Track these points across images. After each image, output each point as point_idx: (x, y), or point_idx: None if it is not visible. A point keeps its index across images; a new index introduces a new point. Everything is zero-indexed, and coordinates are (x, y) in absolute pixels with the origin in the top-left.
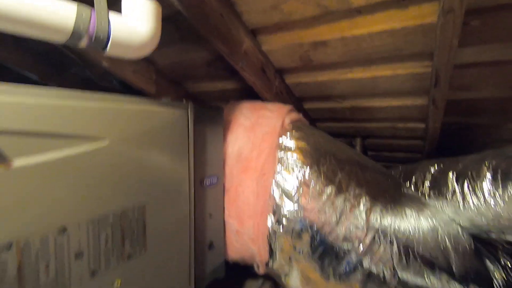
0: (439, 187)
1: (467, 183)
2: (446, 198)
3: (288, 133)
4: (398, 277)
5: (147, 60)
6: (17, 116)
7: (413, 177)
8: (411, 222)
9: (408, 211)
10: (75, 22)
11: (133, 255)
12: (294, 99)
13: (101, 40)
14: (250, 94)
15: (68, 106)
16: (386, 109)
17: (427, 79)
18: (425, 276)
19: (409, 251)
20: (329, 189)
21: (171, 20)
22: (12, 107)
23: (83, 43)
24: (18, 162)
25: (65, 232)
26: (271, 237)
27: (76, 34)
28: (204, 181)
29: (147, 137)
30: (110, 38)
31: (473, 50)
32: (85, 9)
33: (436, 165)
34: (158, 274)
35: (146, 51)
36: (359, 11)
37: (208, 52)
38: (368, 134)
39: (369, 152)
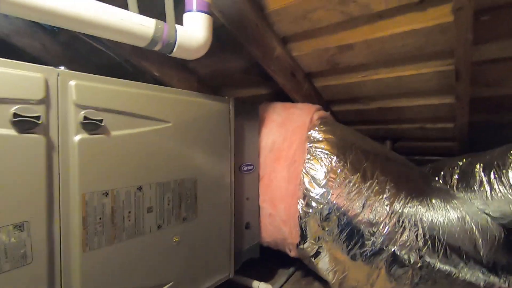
0: (467, 179)
1: (494, 172)
2: (474, 189)
3: (316, 127)
4: (424, 261)
5: (190, 70)
6: (115, 99)
7: (442, 171)
8: (438, 211)
9: (434, 201)
10: (153, 32)
11: (187, 218)
12: (322, 102)
13: (170, 45)
14: (281, 99)
15: (148, 95)
16: (414, 109)
17: (451, 77)
18: (453, 262)
19: (436, 237)
20: (354, 176)
21: (214, 33)
22: (112, 93)
23: (157, 47)
24: (115, 133)
25: (141, 190)
26: (302, 219)
27: (153, 41)
28: (242, 167)
29: (199, 123)
30: (176, 44)
31: (492, 47)
32: (160, 22)
33: (464, 159)
34: (206, 240)
35: (201, 53)
36: (380, 16)
37: (244, 61)
38: (398, 137)
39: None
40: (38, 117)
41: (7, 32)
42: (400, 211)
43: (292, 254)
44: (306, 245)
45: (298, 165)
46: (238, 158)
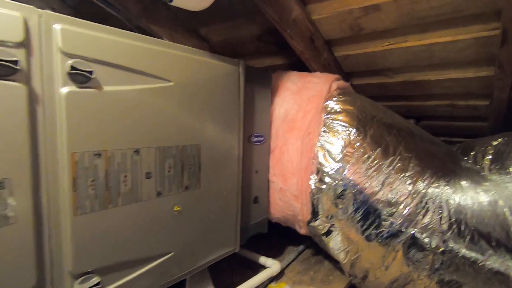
0: (502, 161)
1: None
2: (510, 172)
3: (335, 97)
4: (447, 246)
5: (202, 38)
6: (108, 50)
7: (472, 151)
8: (466, 193)
9: (463, 182)
10: None
11: (190, 187)
12: (342, 74)
13: None
14: (298, 70)
15: (147, 49)
16: (443, 83)
17: (493, 44)
18: (480, 248)
19: (463, 221)
20: (375, 152)
21: None
22: (105, 43)
23: None
24: (108, 88)
25: (138, 153)
26: (314, 195)
27: None
28: (251, 138)
29: (204, 85)
30: None
31: None
32: None
33: (500, 138)
34: (210, 212)
35: (206, 3)
36: None
37: (258, 26)
38: (423, 115)
39: None
40: (15, 62)
41: None
42: (423, 191)
43: (302, 231)
44: (317, 222)
45: (312, 137)
46: (247, 127)
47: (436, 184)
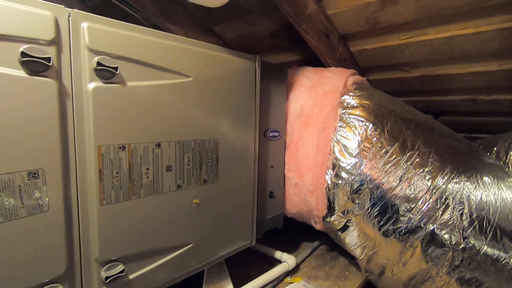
0: None
1: None
2: None
3: (351, 92)
4: (468, 243)
5: (217, 35)
6: (132, 47)
7: (495, 147)
8: (489, 189)
9: (486, 178)
10: None
11: (208, 181)
12: (358, 69)
13: None
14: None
15: (167, 45)
16: (464, 77)
17: None
18: (503, 246)
19: (485, 218)
20: (392, 147)
21: None
22: (129, 40)
23: None
24: (131, 83)
25: (159, 147)
26: (330, 190)
27: None
28: (267, 133)
29: (222, 81)
30: None
31: None
32: None
33: None
34: (227, 205)
35: (223, 1)
36: None
37: (272, 22)
38: (442, 110)
39: None
40: (48, 59)
41: None
42: (443, 186)
43: (318, 227)
44: (333, 218)
45: (328, 132)
46: (263, 123)
47: (457, 180)
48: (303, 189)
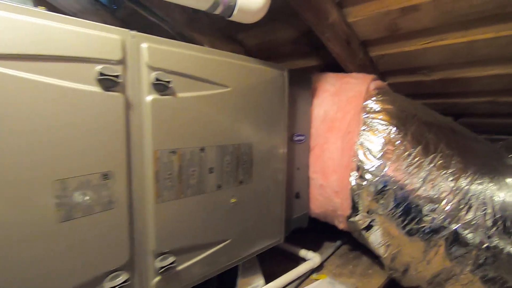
0: None
1: None
2: None
3: (374, 97)
4: (492, 242)
5: (239, 42)
6: (181, 62)
7: None
8: None
9: (508, 180)
10: None
11: (243, 181)
12: (377, 73)
13: (231, 8)
14: (331, 71)
15: (210, 59)
16: (484, 79)
17: None
18: None
19: (508, 218)
20: (415, 149)
21: None
22: (178, 56)
23: (218, 10)
24: (180, 95)
25: (203, 151)
26: (354, 191)
27: (215, 3)
28: (293, 137)
29: (255, 90)
30: (236, 6)
31: None
32: None
33: None
34: (259, 205)
35: (259, 16)
36: None
37: (294, 30)
38: (462, 112)
39: None
40: (117, 76)
41: (75, 11)
42: (466, 187)
43: (342, 226)
44: (357, 217)
45: (352, 136)
46: (290, 128)
47: (480, 181)
48: (328, 190)
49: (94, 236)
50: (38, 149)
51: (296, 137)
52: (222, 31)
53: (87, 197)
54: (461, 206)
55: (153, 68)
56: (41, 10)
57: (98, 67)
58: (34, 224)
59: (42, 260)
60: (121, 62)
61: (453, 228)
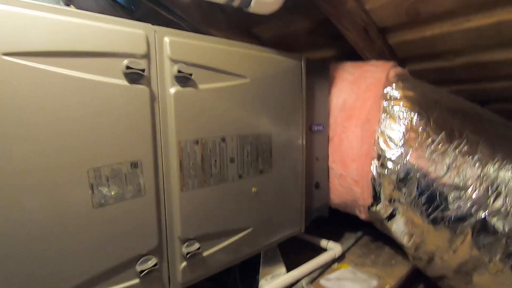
0: None
1: None
2: None
3: (394, 84)
4: None
5: (254, 36)
6: (202, 54)
7: None
8: None
9: None
10: None
11: (264, 171)
12: (396, 60)
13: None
14: (348, 60)
15: (228, 51)
16: None
17: None
18: None
19: None
20: (439, 136)
21: None
22: (199, 48)
23: (236, 2)
24: (201, 86)
25: (224, 141)
26: (375, 180)
27: None
28: (312, 127)
29: (273, 80)
30: None
31: None
32: None
33: None
34: (280, 194)
35: (277, 6)
36: None
37: (309, 20)
38: (488, 98)
39: None
40: (143, 70)
41: (94, 12)
42: (494, 174)
43: (363, 216)
44: (379, 207)
45: (372, 124)
46: (308, 117)
47: (509, 167)
48: (348, 179)
49: (125, 221)
50: (73, 139)
51: (315, 127)
52: (237, 26)
53: (118, 185)
54: (489, 193)
55: (175, 61)
56: (72, 9)
57: (125, 61)
58: (71, 211)
59: (79, 245)
60: (145, 56)
61: (481, 216)
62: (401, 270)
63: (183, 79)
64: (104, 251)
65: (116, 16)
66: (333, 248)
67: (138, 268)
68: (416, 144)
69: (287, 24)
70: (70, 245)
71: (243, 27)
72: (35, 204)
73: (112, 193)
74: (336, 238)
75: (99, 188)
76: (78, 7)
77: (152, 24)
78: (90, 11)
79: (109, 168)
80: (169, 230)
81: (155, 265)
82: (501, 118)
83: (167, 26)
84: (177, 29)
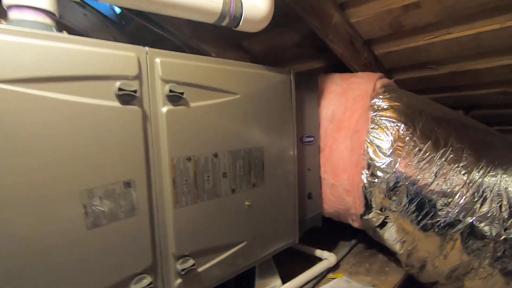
0: None
1: None
2: None
3: (380, 95)
4: (510, 234)
5: (244, 50)
6: (192, 73)
7: None
8: None
9: None
10: (222, 7)
11: (256, 185)
12: (383, 70)
13: (237, 19)
14: (336, 72)
15: (219, 69)
16: (494, 70)
17: None
18: None
19: None
20: (425, 144)
21: None
22: (190, 68)
23: (225, 22)
24: (193, 104)
25: (216, 157)
26: (366, 188)
27: (222, 15)
28: (303, 139)
29: (263, 95)
30: (242, 17)
31: None
32: None
33: None
34: (273, 206)
35: (264, 24)
36: None
37: (297, 34)
38: (472, 105)
39: None
40: (135, 91)
41: (85, 28)
42: (480, 180)
43: (355, 224)
44: (371, 215)
45: (361, 134)
46: (299, 129)
47: (493, 173)
48: (340, 189)
49: (119, 241)
50: (66, 162)
51: (306, 138)
52: (228, 40)
53: (112, 205)
54: (475, 199)
55: (166, 81)
56: (65, 35)
57: (117, 83)
58: (65, 232)
59: (73, 266)
60: (137, 77)
61: (469, 222)
62: (395, 277)
63: (174, 98)
64: (98, 272)
65: (107, 32)
66: (327, 258)
67: (133, 287)
68: (404, 153)
69: (276, 38)
70: (65, 266)
71: (233, 41)
72: (29, 227)
73: (106, 214)
74: (330, 247)
75: (93, 209)
76: (68, 23)
77: (143, 38)
78: (82, 27)
79: (102, 189)
80: (163, 247)
81: (150, 284)
82: (482, 125)
83: (158, 40)
84: (168, 43)
